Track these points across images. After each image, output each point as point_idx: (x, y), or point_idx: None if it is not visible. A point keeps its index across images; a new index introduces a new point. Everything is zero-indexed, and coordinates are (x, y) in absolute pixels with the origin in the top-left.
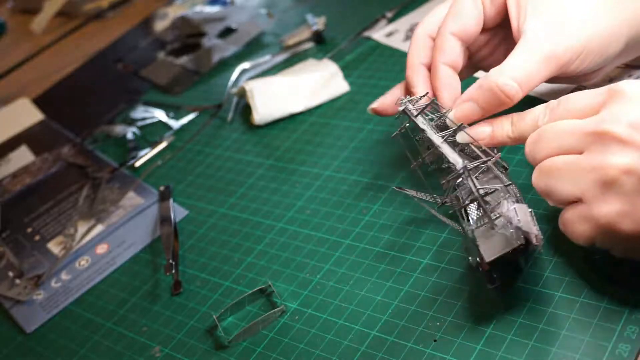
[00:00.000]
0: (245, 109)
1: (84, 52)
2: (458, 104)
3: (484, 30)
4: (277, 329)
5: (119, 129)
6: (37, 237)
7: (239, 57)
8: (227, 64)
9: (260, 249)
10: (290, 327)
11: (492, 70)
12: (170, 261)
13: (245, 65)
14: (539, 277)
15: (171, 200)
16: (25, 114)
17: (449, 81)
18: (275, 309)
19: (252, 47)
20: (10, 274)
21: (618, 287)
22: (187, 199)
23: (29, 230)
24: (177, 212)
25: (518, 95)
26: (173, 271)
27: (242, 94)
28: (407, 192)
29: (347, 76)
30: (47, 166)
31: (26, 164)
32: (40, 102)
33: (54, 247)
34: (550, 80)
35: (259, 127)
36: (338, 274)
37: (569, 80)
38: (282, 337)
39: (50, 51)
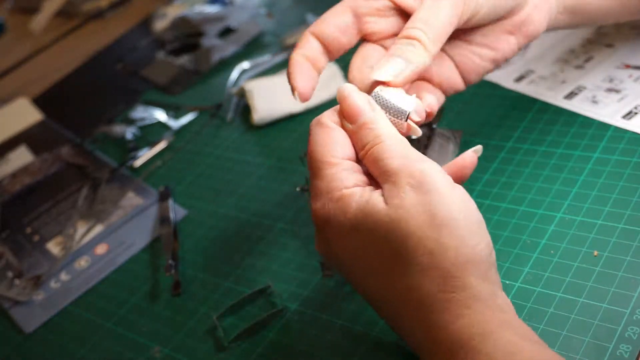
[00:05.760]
0: (245, 109)
1: (83, 52)
2: (382, 63)
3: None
4: (277, 329)
5: (118, 129)
6: (36, 237)
7: (238, 57)
8: (227, 64)
9: (260, 249)
10: (290, 327)
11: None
12: (170, 261)
13: (245, 65)
14: (540, 278)
15: (171, 201)
16: (24, 114)
17: (302, 68)
18: (275, 309)
19: (252, 47)
20: (10, 274)
21: None
22: (187, 199)
23: (29, 230)
24: (177, 212)
25: (424, 38)
26: (173, 271)
27: (242, 94)
28: None
29: (347, 76)
30: (46, 166)
31: (25, 164)
32: (39, 102)
33: (54, 247)
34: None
35: (259, 127)
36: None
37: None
38: (282, 337)
39: (50, 51)
